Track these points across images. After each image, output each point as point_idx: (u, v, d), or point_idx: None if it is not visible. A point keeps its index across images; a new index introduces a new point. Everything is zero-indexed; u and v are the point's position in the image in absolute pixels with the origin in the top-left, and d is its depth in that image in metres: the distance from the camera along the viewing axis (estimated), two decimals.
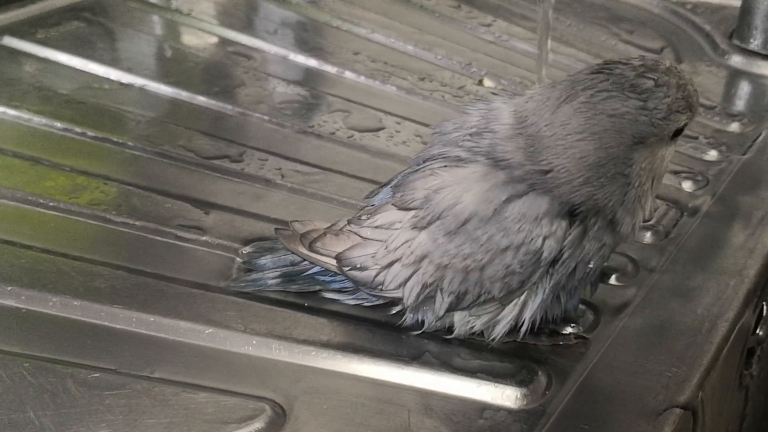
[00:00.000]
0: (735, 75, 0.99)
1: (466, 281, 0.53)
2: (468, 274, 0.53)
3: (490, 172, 0.53)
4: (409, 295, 0.56)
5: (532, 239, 0.52)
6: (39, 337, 0.56)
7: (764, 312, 0.70)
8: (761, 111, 0.92)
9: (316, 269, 0.61)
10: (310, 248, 0.59)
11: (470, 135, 0.56)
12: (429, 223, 0.54)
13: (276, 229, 0.63)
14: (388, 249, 0.56)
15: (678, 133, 0.53)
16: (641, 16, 1.13)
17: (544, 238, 0.51)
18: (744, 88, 0.97)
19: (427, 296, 0.55)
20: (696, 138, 0.85)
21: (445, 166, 0.54)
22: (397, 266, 0.56)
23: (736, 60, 1.01)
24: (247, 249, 0.65)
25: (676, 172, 0.79)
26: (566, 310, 0.57)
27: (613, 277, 0.64)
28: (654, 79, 0.51)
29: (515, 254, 0.52)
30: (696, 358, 0.57)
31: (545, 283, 0.53)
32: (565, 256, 0.52)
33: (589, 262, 0.53)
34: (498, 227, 0.52)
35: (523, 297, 0.54)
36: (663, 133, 0.52)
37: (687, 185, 0.77)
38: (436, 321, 0.56)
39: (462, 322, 0.56)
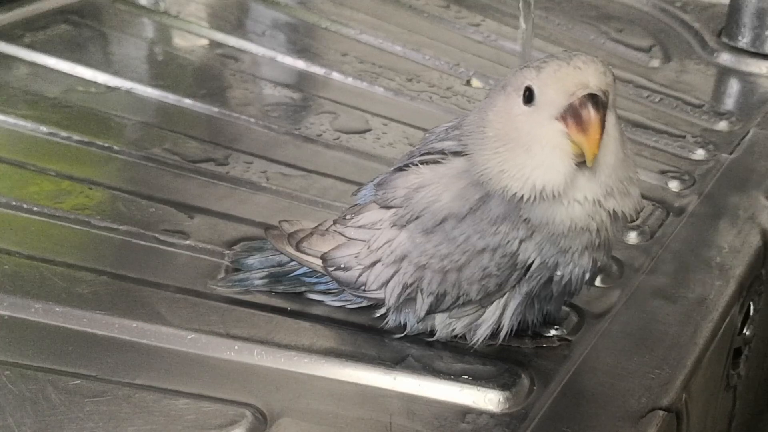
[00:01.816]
0: (724, 73, 0.99)
1: (445, 282, 0.53)
2: (446, 275, 0.53)
3: (469, 170, 0.52)
4: (391, 295, 0.56)
5: (508, 242, 0.51)
6: (20, 344, 0.56)
7: (751, 312, 0.70)
8: (749, 109, 0.91)
9: (302, 270, 0.61)
10: (297, 248, 0.60)
11: (454, 132, 0.56)
12: (408, 222, 0.54)
13: (266, 229, 0.63)
14: (371, 249, 0.56)
15: (528, 97, 0.50)
16: (630, 15, 1.13)
17: (521, 241, 0.51)
18: (733, 86, 0.97)
19: (407, 297, 0.55)
20: (683, 137, 0.85)
21: (426, 163, 0.54)
22: (378, 266, 0.56)
23: (725, 58, 1.01)
24: (236, 248, 0.65)
25: (662, 172, 0.79)
26: (548, 313, 0.56)
27: (598, 278, 0.64)
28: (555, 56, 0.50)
29: (492, 256, 0.52)
30: (680, 360, 0.57)
31: (522, 288, 0.53)
32: (535, 262, 0.52)
33: (555, 269, 0.52)
34: (475, 228, 0.52)
35: (503, 300, 0.54)
36: (515, 83, 0.51)
37: (673, 185, 0.77)
38: (418, 323, 0.56)
39: (443, 324, 0.56)
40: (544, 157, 0.50)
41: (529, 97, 0.50)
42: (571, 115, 0.48)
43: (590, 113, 0.47)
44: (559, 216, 0.50)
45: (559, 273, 0.52)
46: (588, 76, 0.48)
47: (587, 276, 0.54)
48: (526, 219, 0.51)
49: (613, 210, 0.51)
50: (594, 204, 0.51)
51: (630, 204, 0.52)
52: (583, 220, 0.51)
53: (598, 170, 0.50)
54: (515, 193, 0.50)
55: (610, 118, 0.49)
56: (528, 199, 0.50)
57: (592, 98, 0.48)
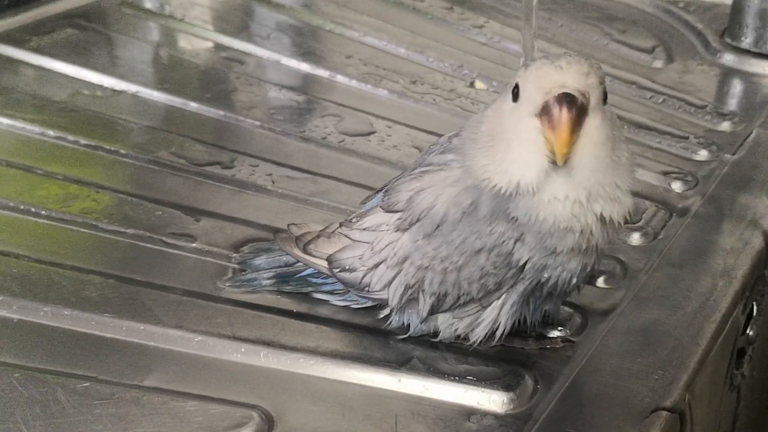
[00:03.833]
0: (726, 73, 0.99)
1: (445, 282, 0.54)
2: (446, 276, 0.54)
3: (463, 177, 0.53)
4: (394, 296, 0.56)
5: (503, 242, 0.52)
6: (29, 347, 0.57)
7: (754, 312, 0.70)
8: (752, 110, 0.92)
9: (309, 271, 0.62)
10: (304, 250, 0.61)
11: (455, 139, 0.57)
12: (410, 225, 0.55)
13: (275, 232, 0.64)
14: (374, 251, 0.57)
15: (515, 94, 0.51)
16: (634, 15, 1.13)
17: (515, 241, 0.52)
18: (736, 87, 0.97)
19: (410, 297, 0.56)
20: (686, 138, 0.85)
21: (428, 170, 0.55)
22: (382, 267, 0.57)
23: (728, 58, 1.01)
24: (244, 249, 0.66)
25: (665, 173, 0.79)
26: (547, 314, 0.57)
27: (601, 279, 0.64)
28: (548, 55, 0.51)
29: (488, 256, 0.52)
30: (683, 360, 0.57)
31: (518, 287, 0.54)
32: (528, 262, 0.52)
33: (543, 271, 0.53)
34: (471, 230, 0.52)
35: (502, 299, 0.54)
36: (512, 80, 0.51)
37: (677, 186, 0.77)
38: (421, 323, 0.57)
39: (446, 324, 0.57)
40: (521, 153, 0.50)
41: (516, 93, 0.51)
42: (545, 113, 0.48)
43: (562, 112, 0.48)
44: (542, 213, 0.51)
45: (546, 275, 0.53)
46: (567, 76, 0.49)
47: (574, 280, 0.54)
48: (513, 217, 0.51)
49: (600, 214, 0.51)
50: (575, 203, 0.50)
51: (619, 210, 0.52)
52: (565, 219, 0.51)
53: (574, 170, 0.50)
54: (495, 185, 0.51)
55: (592, 121, 0.49)
56: (506, 192, 0.51)
57: (567, 98, 0.48)
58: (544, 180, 0.50)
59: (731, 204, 0.74)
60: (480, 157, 0.53)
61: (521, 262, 0.52)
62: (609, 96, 0.52)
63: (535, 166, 0.50)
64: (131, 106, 0.88)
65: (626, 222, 0.54)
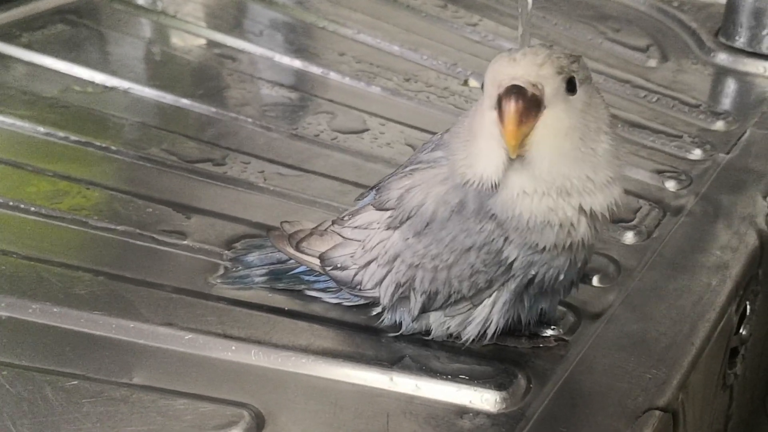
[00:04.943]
0: (721, 73, 0.99)
1: (436, 281, 0.54)
2: (437, 274, 0.54)
3: (451, 175, 0.53)
4: (385, 294, 0.56)
5: (493, 239, 0.52)
6: (18, 345, 0.56)
7: (748, 312, 0.70)
8: (746, 109, 0.92)
9: (301, 268, 0.62)
10: (297, 248, 0.61)
11: (446, 135, 0.57)
12: (401, 223, 0.55)
13: (268, 230, 0.64)
14: (365, 249, 0.57)
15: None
16: (628, 14, 1.13)
17: (505, 239, 0.51)
18: (730, 86, 0.97)
19: (401, 296, 0.56)
20: (680, 137, 0.85)
21: (418, 168, 0.55)
22: (373, 266, 0.56)
23: (722, 57, 1.01)
24: (237, 246, 0.66)
25: (659, 172, 0.79)
26: (543, 313, 0.57)
27: (595, 278, 0.64)
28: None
29: (478, 254, 0.52)
30: (676, 360, 0.57)
31: (510, 285, 0.53)
32: (516, 260, 0.52)
33: (530, 268, 0.52)
34: (461, 228, 0.52)
35: (492, 297, 0.54)
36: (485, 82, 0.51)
37: (670, 185, 0.77)
38: (413, 321, 0.57)
39: (438, 323, 0.56)
40: (484, 147, 0.50)
41: (483, 87, 0.51)
42: (498, 106, 0.48)
43: (509, 104, 0.48)
44: (517, 208, 0.50)
45: (533, 272, 0.52)
46: (518, 68, 0.48)
47: (562, 276, 0.53)
48: (493, 214, 0.51)
49: (580, 206, 0.50)
50: (545, 196, 0.50)
51: (601, 201, 0.51)
52: (541, 213, 0.50)
53: (532, 163, 0.49)
54: (468, 180, 0.51)
55: (551, 112, 0.48)
56: (474, 185, 0.51)
57: (514, 89, 0.48)
58: (506, 173, 0.50)
59: (725, 203, 0.74)
60: (459, 151, 0.53)
61: (509, 260, 0.52)
62: (604, 95, 0.51)
63: (495, 159, 0.50)
64: (122, 103, 0.87)
65: (614, 214, 0.53)
